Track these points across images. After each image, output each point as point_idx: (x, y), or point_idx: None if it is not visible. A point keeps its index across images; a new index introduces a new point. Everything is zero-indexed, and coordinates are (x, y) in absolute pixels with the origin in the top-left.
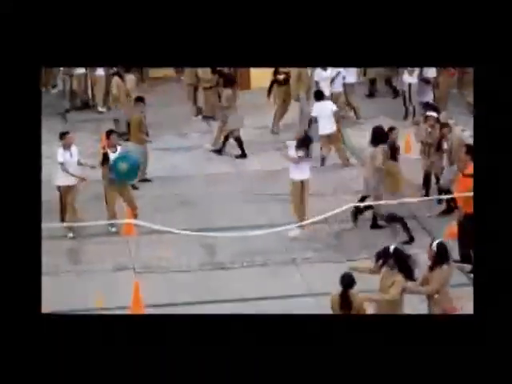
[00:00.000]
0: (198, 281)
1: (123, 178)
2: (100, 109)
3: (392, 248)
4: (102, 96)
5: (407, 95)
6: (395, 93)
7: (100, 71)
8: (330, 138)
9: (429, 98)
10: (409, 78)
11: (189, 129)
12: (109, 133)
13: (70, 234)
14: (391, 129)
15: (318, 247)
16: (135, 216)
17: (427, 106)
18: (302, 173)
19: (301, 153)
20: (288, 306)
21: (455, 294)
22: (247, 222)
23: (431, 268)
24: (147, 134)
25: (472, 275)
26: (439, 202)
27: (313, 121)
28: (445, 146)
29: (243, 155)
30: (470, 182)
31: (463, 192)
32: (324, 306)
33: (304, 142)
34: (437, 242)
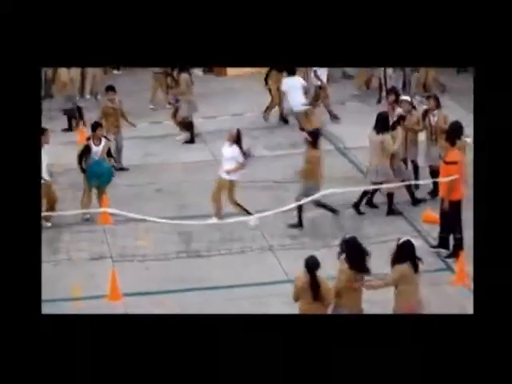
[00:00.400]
0: (175, 269)
1: (96, 183)
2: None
3: (346, 237)
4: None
5: (382, 80)
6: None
7: None
8: (307, 115)
9: (400, 83)
10: None
11: (163, 117)
12: (95, 126)
13: (48, 224)
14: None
15: (295, 234)
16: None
17: (392, 90)
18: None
19: (241, 158)
20: (265, 293)
21: (423, 294)
22: (223, 209)
23: (391, 263)
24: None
25: (450, 259)
26: (416, 186)
27: (283, 96)
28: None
29: (192, 141)
30: (451, 168)
31: (444, 178)
32: None
33: (238, 140)
34: (402, 240)
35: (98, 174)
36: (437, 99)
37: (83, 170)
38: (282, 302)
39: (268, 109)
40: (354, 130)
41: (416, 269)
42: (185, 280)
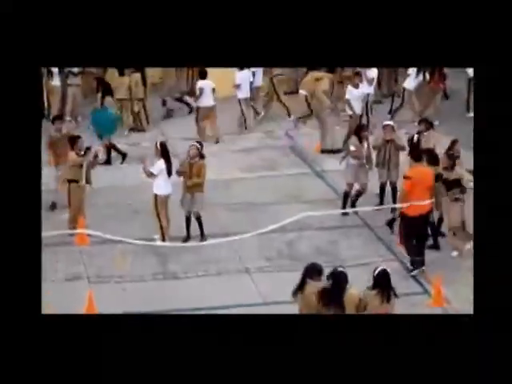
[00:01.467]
0: (151, 290)
1: (102, 129)
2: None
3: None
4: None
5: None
6: None
7: (56, 81)
8: (207, 112)
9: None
10: None
11: (141, 138)
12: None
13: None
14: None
15: (272, 256)
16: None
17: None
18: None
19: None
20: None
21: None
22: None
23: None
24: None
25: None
26: (392, 210)
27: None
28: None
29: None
30: (407, 183)
31: (401, 193)
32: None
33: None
34: (378, 269)
35: (101, 122)
36: (429, 122)
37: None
38: None
39: (304, 117)
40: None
41: (388, 299)
42: (161, 302)
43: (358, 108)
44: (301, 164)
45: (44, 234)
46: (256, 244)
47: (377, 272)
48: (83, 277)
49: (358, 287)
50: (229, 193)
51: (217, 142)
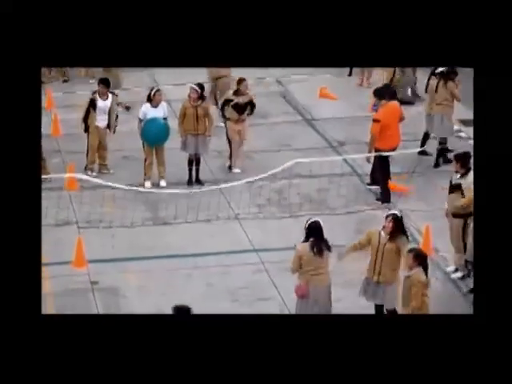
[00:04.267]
0: (140, 236)
1: (152, 141)
2: None
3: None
4: None
5: None
6: None
7: None
8: None
9: None
10: None
11: (131, 84)
12: (100, 81)
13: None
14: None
15: (262, 203)
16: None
17: None
18: None
19: None
20: (230, 262)
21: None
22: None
23: None
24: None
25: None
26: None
27: None
28: None
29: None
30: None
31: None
32: (266, 262)
33: None
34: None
35: (154, 132)
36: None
37: (86, 128)
38: (249, 271)
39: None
40: (322, 101)
41: (320, 252)
42: (150, 248)
43: None
44: (291, 111)
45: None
46: (246, 191)
47: (308, 224)
48: (72, 222)
49: (346, 236)
50: (220, 141)
51: None
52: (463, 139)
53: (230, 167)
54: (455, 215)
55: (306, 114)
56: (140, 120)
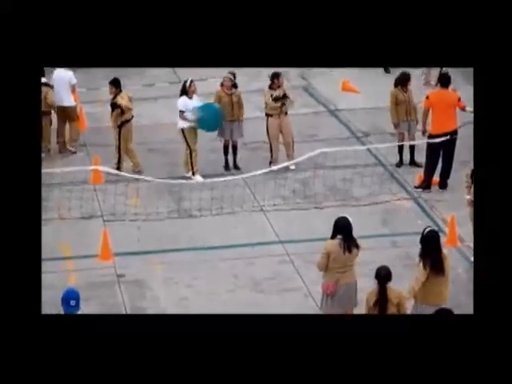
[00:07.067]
0: (166, 229)
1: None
2: None
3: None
4: None
5: None
6: None
7: None
8: (65, 112)
9: None
10: None
11: (155, 79)
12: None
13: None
14: None
15: (286, 195)
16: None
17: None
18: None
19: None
20: (257, 254)
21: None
22: (215, 170)
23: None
24: None
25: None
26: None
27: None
28: None
29: None
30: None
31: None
32: (293, 254)
33: None
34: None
35: (213, 116)
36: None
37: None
38: (274, 262)
39: None
40: (345, 94)
41: (349, 249)
42: (176, 240)
43: None
44: (314, 104)
45: (57, 170)
46: (271, 182)
47: (336, 220)
48: (97, 215)
49: (371, 226)
50: (244, 132)
51: None
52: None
53: (270, 163)
54: None
55: (330, 106)
56: (182, 111)
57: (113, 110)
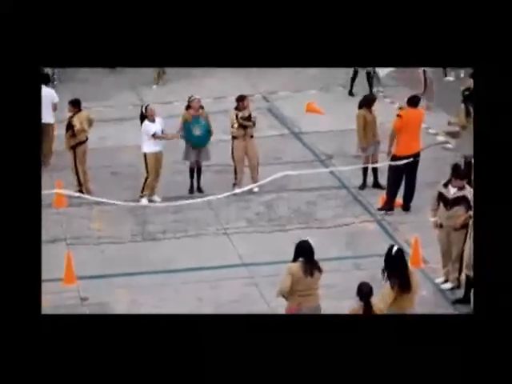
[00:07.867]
0: (130, 252)
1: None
2: None
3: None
4: None
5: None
6: None
7: None
8: (44, 129)
9: None
10: None
11: (118, 101)
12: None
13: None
14: None
15: (250, 218)
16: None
17: None
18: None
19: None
20: (220, 276)
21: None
22: (179, 192)
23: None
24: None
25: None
26: None
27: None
28: None
29: None
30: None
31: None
32: (256, 276)
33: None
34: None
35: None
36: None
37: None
38: (238, 285)
39: None
40: (309, 116)
41: (311, 273)
42: (140, 263)
43: None
44: (279, 126)
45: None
46: (235, 205)
47: (298, 244)
48: (61, 239)
49: (335, 248)
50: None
51: None
52: (449, 150)
53: (234, 185)
54: (457, 229)
55: (294, 128)
56: (153, 134)
57: (67, 131)
